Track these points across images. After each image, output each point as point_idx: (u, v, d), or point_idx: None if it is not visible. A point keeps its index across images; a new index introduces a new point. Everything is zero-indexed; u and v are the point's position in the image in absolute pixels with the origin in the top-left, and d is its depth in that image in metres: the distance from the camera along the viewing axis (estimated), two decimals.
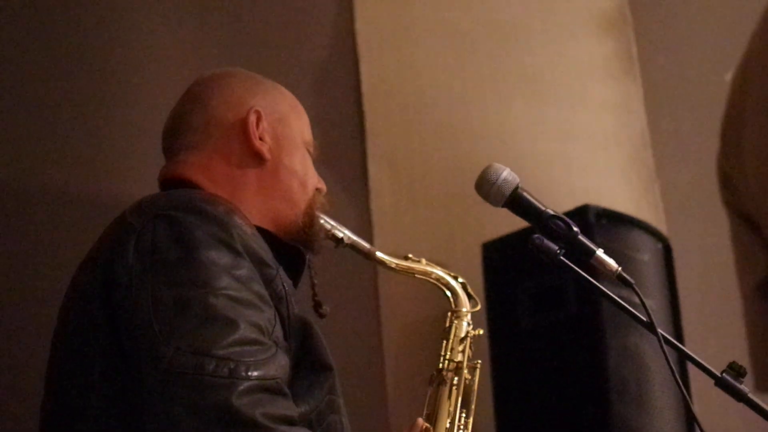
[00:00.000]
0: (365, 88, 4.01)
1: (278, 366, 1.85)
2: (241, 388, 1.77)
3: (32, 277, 3.37)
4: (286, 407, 1.84)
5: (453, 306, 2.55)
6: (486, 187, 2.08)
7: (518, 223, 3.32)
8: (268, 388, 1.81)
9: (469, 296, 2.57)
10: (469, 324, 2.54)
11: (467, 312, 2.55)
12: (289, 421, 1.83)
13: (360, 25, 4.08)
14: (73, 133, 3.59)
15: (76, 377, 1.93)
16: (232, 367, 1.78)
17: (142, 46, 3.73)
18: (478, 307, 2.58)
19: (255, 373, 1.80)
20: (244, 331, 1.83)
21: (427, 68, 4.13)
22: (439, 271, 2.55)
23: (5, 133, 3.52)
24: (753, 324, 1.20)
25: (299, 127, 2.30)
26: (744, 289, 1.21)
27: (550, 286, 3.54)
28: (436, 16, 4.20)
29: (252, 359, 1.81)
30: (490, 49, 4.22)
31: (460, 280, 2.58)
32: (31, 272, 3.39)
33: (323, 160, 2.36)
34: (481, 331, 2.56)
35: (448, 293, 2.56)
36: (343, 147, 3.88)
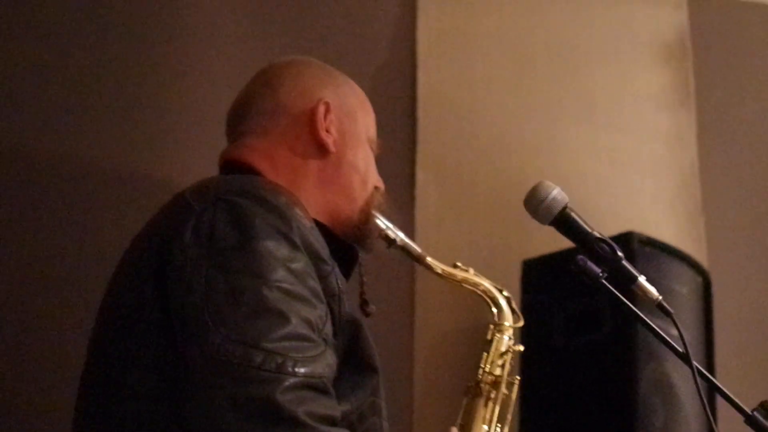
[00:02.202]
0: (420, 94, 4.02)
1: (326, 364, 1.83)
2: (287, 384, 1.75)
3: (82, 257, 3.40)
4: (330, 407, 1.82)
5: (496, 319, 2.54)
6: (535, 203, 2.08)
7: (559, 244, 3.34)
8: (313, 386, 1.79)
9: (513, 311, 2.56)
10: (510, 339, 2.53)
11: (510, 327, 2.54)
12: (332, 421, 1.81)
13: (421, 33, 4.08)
14: (128, 113, 3.62)
15: (121, 352, 1.91)
16: (279, 361, 1.76)
17: (203, 35, 3.74)
18: (521, 323, 2.56)
19: (302, 370, 1.78)
20: (295, 326, 1.80)
21: (484, 81, 4.13)
22: (486, 283, 2.53)
23: (66, 115, 3.56)
24: None
25: (366, 123, 2.29)
26: None
27: (587, 309, 3.53)
28: (498, 31, 4.20)
29: (300, 355, 1.78)
30: (548, 68, 4.21)
31: (506, 294, 2.56)
32: (80, 252, 3.42)
33: (375, 156, 2.35)
34: (522, 347, 2.55)
35: (493, 306, 2.54)
36: (393, 151, 3.87)
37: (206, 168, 2.29)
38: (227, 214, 1.89)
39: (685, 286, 3.63)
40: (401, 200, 3.85)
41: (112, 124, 3.59)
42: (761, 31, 4.66)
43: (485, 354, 2.50)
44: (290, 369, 1.76)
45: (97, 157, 3.54)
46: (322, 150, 2.19)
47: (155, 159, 3.58)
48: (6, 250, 3.40)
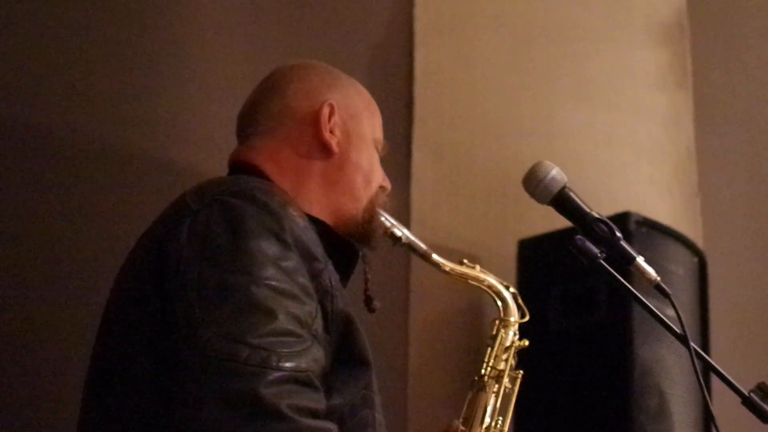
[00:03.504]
0: (418, 74, 4.01)
1: (312, 359, 1.86)
2: (271, 377, 1.79)
3: (87, 239, 3.40)
4: (314, 400, 1.85)
5: (502, 315, 2.57)
6: (534, 182, 2.08)
7: (555, 224, 3.34)
8: (298, 380, 1.82)
9: (519, 307, 2.58)
10: (515, 334, 2.56)
11: (515, 322, 2.56)
12: (315, 414, 1.83)
13: (419, 12, 4.08)
14: (127, 92, 3.62)
15: (123, 348, 1.96)
16: (264, 356, 1.80)
17: (202, 23, 3.74)
18: (527, 318, 2.58)
19: (287, 364, 1.81)
20: (282, 322, 1.84)
21: (481, 61, 4.13)
22: (491, 279, 2.56)
23: (79, 97, 3.56)
24: None
25: (371, 125, 2.32)
26: None
27: (583, 290, 3.54)
28: (495, 11, 4.19)
29: (286, 350, 1.82)
30: (546, 48, 4.21)
31: (512, 290, 2.59)
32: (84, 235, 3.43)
33: (382, 157, 2.37)
34: (527, 343, 2.56)
35: (498, 302, 2.57)
36: (390, 131, 3.85)
37: (210, 161, 2.30)
38: (221, 214, 1.94)
39: (681, 266, 3.64)
40: (397, 179, 3.82)
41: (118, 114, 3.60)
42: (759, 12, 4.66)
43: (489, 349, 2.54)
44: (275, 363, 1.80)
45: (106, 147, 3.55)
46: (325, 151, 2.23)
47: (157, 141, 3.58)
48: (8, 234, 3.40)
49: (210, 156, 2.34)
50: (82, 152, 3.54)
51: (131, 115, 3.59)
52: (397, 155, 3.89)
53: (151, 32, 3.70)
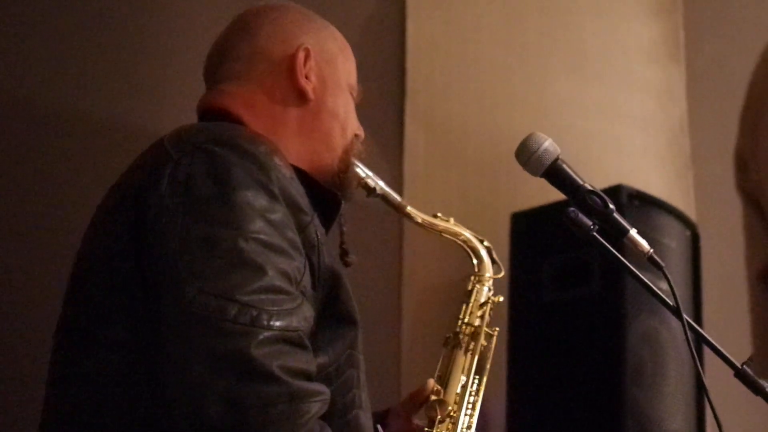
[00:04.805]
0: (410, 45, 3.99)
1: (302, 317, 1.80)
2: (261, 337, 1.72)
3: (62, 205, 3.38)
4: (305, 361, 1.80)
5: (476, 270, 2.52)
6: (526, 154, 2.07)
7: (548, 197, 3.33)
8: (288, 340, 1.76)
9: (494, 262, 2.53)
10: (490, 290, 2.51)
11: (490, 277, 2.52)
12: (307, 376, 1.79)
13: None
14: (106, 59, 3.59)
15: (95, 303, 1.88)
16: (254, 314, 1.73)
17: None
18: (502, 274, 2.54)
19: (277, 323, 1.75)
20: (272, 279, 1.78)
21: (474, 33, 4.10)
22: (466, 233, 2.52)
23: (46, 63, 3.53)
24: (755, 313, 1.20)
25: (346, 70, 2.26)
26: (750, 277, 1.20)
27: (576, 263, 3.53)
28: None
29: (276, 308, 1.76)
30: (539, 20, 4.19)
31: (486, 244, 2.54)
32: (60, 200, 3.40)
33: (360, 113, 2.32)
34: (501, 298, 2.52)
35: (473, 257, 2.52)
36: (382, 102, 3.86)
37: (190, 115, 2.26)
38: (205, 163, 1.85)
39: (674, 239, 3.62)
40: (390, 151, 3.84)
41: (93, 72, 3.56)
42: None
43: (464, 305, 2.49)
44: (265, 322, 1.74)
45: (83, 107, 3.51)
46: (301, 97, 2.17)
47: (140, 107, 3.55)
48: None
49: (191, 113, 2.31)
50: (78, 147, 3.52)
51: (127, 108, 3.57)
52: (390, 127, 3.88)
53: (144, 27, 3.67)
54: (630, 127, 4.21)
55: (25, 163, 3.43)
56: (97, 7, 3.61)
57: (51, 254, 3.30)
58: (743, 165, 1.18)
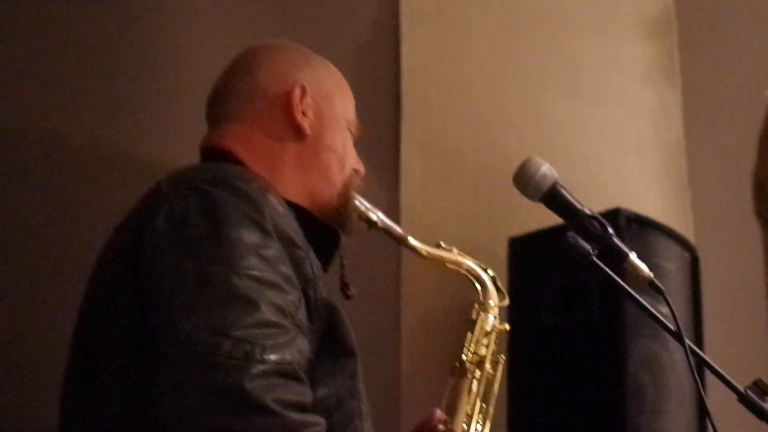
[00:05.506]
0: (404, 69, 3.99)
1: (296, 350, 1.83)
2: (255, 371, 1.74)
3: (65, 237, 3.37)
4: (300, 393, 1.81)
5: (481, 298, 2.54)
6: (524, 179, 2.06)
7: (546, 221, 3.31)
8: (283, 373, 1.78)
9: (498, 290, 2.56)
10: (495, 318, 2.53)
11: (495, 306, 2.54)
12: (301, 408, 1.80)
13: (404, 6, 4.05)
14: (113, 93, 3.59)
15: (99, 340, 1.93)
16: (248, 349, 1.75)
17: (187, 14, 3.72)
18: (506, 302, 2.56)
19: (271, 357, 1.77)
20: (265, 313, 1.80)
21: (469, 55, 4.10)
22: (470, 262, 2.54)
23: (53, 90, 3.52)
24: None
25: (343, 106, 2.28)
26: None
27: (575, 287, 3.52)
28: (483, 4, 4.17)
29: (270, 342, 1.78)
30: (534, 41, 4.19)
31: (491, 273, 2.56)
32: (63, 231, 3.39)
33: (355, 139, 2.34)
34: (507, 326, 2.54)
35: (477, 285, 2.54)
36: (377, 127, 3.85)
37: (193, 152, 2.27)
38: (199, 203, 1.90)
39: (673, 262, 3.62)
40: (386, 176, 3.83)
41: (97, 106, 3.56)
42: (746, 5, 4.65)
43: (470, 334, 2.50)
44: (259, 356, 1.76)
45: (84, 142, 3.52)
46: (298, 133, 2.19)
47: (143, 144, 3.55)
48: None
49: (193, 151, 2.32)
50: (74, 153, 3.51)
51: (122, 117, 3.56)
52: (386, 151, 3.88)
53: (141, 33, 3.67)
54: (626, 148, 4.21)
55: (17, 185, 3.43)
56: (83, 30, 3.61)
57: (42, 278, 3.31)
58: (763, 193, 1.16)
